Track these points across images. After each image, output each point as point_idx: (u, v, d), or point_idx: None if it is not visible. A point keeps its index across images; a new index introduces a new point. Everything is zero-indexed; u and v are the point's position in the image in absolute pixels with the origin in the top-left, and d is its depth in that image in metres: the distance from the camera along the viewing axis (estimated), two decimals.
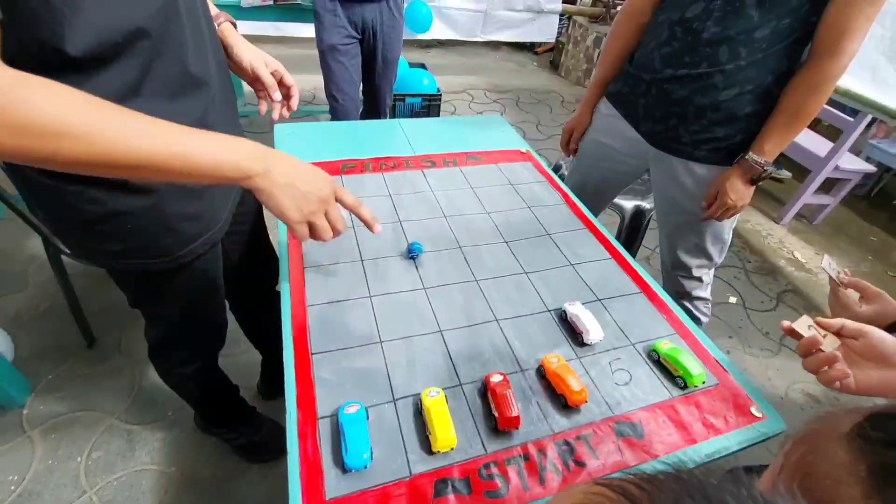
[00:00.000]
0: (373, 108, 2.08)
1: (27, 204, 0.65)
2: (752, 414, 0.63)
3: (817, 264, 2.33)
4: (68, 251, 1.23)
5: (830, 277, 0.70)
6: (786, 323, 0.61)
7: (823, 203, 2.57)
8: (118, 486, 1.20)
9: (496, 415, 0.58)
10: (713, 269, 1.20)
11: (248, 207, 0.94)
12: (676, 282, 1.22)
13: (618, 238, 1.77)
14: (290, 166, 0.59)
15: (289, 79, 0.86)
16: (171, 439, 1.31)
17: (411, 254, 0.81)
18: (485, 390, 0.61)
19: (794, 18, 0.84)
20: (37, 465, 1.21)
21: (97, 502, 1.16)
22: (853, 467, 0.24)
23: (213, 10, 0.76)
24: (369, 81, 1.98)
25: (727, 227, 1.09)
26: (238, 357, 1.46)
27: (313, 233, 0.64)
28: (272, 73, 0.83)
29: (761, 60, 0.89)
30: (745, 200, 0.99)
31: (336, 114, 1.93)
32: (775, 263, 2.30)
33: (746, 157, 0.95)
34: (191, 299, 0.85)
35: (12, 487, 1.16)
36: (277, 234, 0.85)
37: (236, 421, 1.25)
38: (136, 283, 0.80)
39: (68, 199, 0.60)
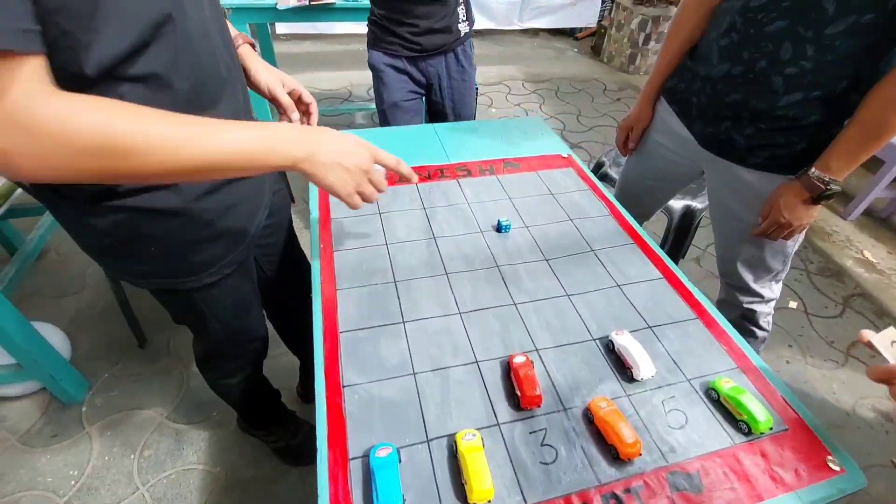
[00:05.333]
0: None
1: (64, 227, 0.68)
2: (828, 467, 0.56)
3: (891, 265, 2.12)
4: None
5: None
6: (866, 333, 0.53)
7: None
8: (167, 484, 1.25)
9: (518, 393, 0.60)
10: (778, 283, 1.08)
11: (277, 219, 0.94)
12: (732, 293, 1.12)
13: (665, 239, 1.66)
14: (333, 144, 0.61)
15: (307, 96, 0.86)
16: (216, 439, 1.36)
17: (501, 230, 0.89)
18: (508, 370, 0.63)
19: (879, 13, 0.70)
20: (94, 461, 1.29)
21: (149, 499, 1.22)
22: None
23: (233, 32, 0.77)
24: None
25: (790, 240, 0.97)
26: (278, 359, 1.49)
27: (363, 198, 0.68)
28: (290, 93, 0.84)
29: (832, 63, 0.76)
30: (804, 221, 0.88)
31: None
32: (842, 264, 2.11)
33: (809, 172, 0.83)
34: (229, 314, 0.86)
35: (73, 482, 1.24)
36: (307, 239, 0.84)
37: (275, 424, 1.27)
38: (173, 301, 0.82)
39: (97, 224, 0.61)
